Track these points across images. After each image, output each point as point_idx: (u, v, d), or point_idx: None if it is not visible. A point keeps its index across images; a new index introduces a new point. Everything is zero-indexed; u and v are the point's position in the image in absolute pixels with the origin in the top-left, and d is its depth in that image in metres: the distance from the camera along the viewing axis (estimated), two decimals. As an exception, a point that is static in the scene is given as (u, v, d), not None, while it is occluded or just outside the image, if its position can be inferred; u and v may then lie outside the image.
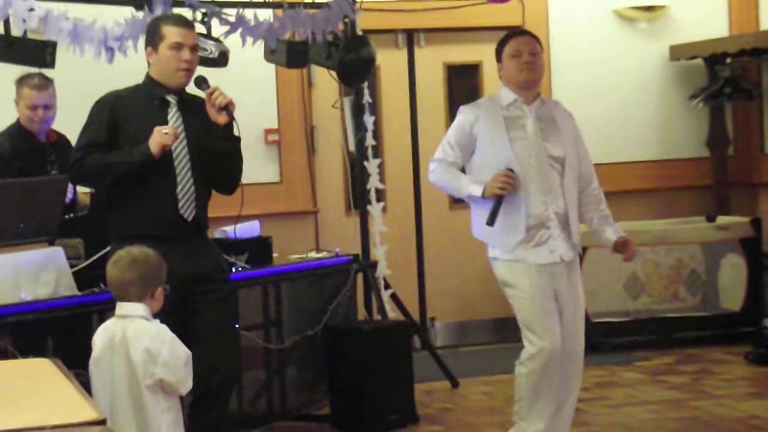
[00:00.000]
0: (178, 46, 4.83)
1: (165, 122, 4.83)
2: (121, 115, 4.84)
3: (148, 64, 4.90)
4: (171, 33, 4.83)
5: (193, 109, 4.92)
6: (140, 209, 4.82)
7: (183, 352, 4.11)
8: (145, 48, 4.91)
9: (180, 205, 4.83)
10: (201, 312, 4.85)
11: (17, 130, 6.01)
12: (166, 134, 4.73)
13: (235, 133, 4.93)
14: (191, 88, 4.97)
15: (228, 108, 4.85)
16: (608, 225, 5.41)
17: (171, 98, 4.89)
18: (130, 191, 4.82)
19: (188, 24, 5.01)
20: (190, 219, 4.85)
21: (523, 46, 5.18)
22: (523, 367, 5.18)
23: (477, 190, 5.08)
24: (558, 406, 5.24)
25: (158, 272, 4.19)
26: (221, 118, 4.85)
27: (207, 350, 4.74)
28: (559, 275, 5.19)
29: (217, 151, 4.89)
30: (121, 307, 4.17)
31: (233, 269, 5.74)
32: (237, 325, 5.21)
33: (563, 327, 5.18)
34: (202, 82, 4.96)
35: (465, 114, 5.24)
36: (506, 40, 5.25)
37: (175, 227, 4.83)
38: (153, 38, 4.88)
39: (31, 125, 6.01)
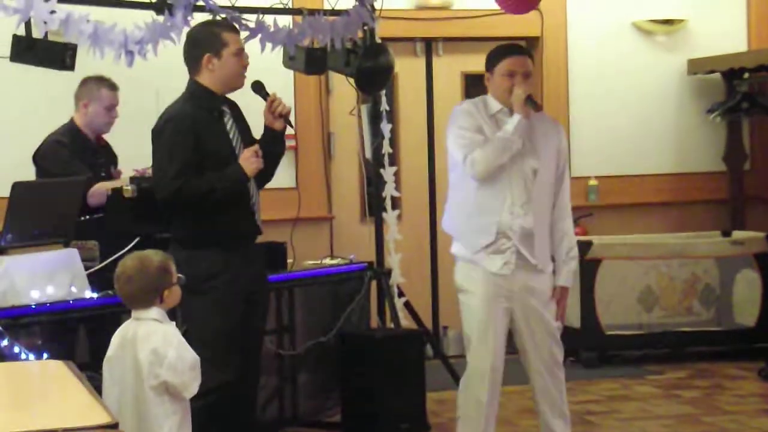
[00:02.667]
0: (240, 52, 4.94)
1: (227, 133, 4.94)
2: (202, 134, 4.88)
3: (198, 70, 4.93)
4: (233, 40, 4.94)
5: (237, 113, 5.04)
6: (221, 221, 4.88)
7: (190, 356, 4.10)
8: (200, 55, 4.91)
9: (256, 216, 4.99)
10: (249, 317, 4.96)
11: (72, 129, 6.11)
12: (259, 157, 4.86)
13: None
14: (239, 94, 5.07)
15: (287, 116, 5.01)
16: (564, 266, 5.22)
17: (225, 107, 4.98)
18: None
19: (238, 29, 5.15)
20: (261, 227, 5.05)
21: (518, 68, 5.09)
22: (461, 383, 5.19)
23: (512, 122, 4.99)
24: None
25: (160, 279, 4.17)
26: (278, 124, 5.01)
27: (247, 349, 4.96)
28: (519, 292, 5.09)
29: (271, 154, 5.00)
30: (136, 311, 4.19)
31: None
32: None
33: (525, 348, 5.14)
34: (261, 89, 5.05)
35: (464, 107, 5.19)
36: (502, 54, 5.15)
37: (251, 236, 5.01)
38: (213, 45, 4.90)
39: (103, 126, 6.16)
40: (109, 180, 6.03)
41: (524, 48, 5.32)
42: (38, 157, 6.05)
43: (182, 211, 4.92)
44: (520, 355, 5.22)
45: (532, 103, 5.07)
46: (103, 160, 6.17)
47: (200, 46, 4.93)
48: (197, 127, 4.87)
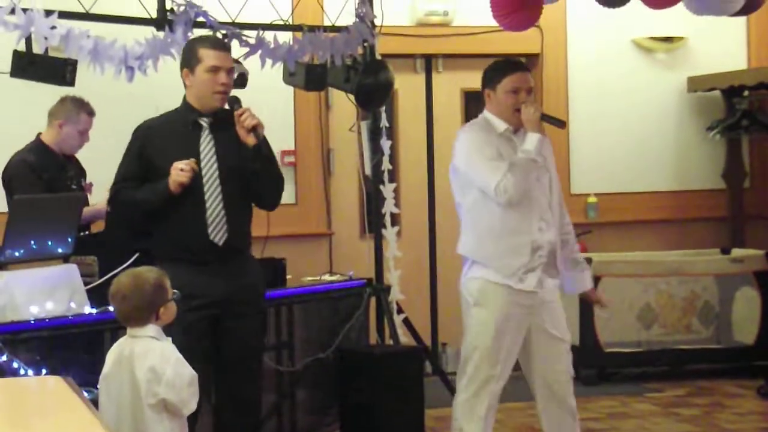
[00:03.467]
0: (215, 69, 4.87)
1: (197, 147, 4.87)
2: (152, 145, 4.88)
3: (185, 85, 4.95)
4: (208, 56, 4.87)
5: (229, 126, 4.93)
6: (173, 235, 4.86)
7: (187, 372, 4.09)
8: (181, 69, 4.95)
9: (209, 230, 4.84)
10: (230, 335, 4.88)
11: (39, 147, 6.06)
12: (182, 171, 4.75)
13: (268, 152, 4.98)
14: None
15: (256, 129, 4.88)
16: (580, 271, 5.35)
17: (203, 121, 4.92)
18: (163, 217, 4.86)
19: (225, 46, 5.06)
20: (221, 243, 4.86)
21: (522, 84, 5.10)
22: (460, 394, 5.16)
23: (531, 142, 5.01)
24: None
25: (155, 296, 4.15)
26: (250, 139, 4.88)
27: (233, 372, 4.87)
28: (538, 306, 5.10)
29: (249, 170, 4.91)
30: (132, 328, 4.18)
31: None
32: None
33: (541, 357, 5.13)
34: (234, 102, 4.97)
35: (475, 131, 5.17)
36: (505, 71, 5.14)
37: (206, 252, 4.84)
38: (189, 60, 4.91)
39: (74, 148, 6.14)
40: (80, 191, 6.03)
41: (524, 63, 5.32)
42: (5, 178, 6.00)
43: (126, 220, 5.01)
44: (525, 366, 5.20)
45: (554, 120, 5.09)
46: (73, 173, 6.14)
47: (183, 62, 4.97)
48: (151, 140, 4.89)
